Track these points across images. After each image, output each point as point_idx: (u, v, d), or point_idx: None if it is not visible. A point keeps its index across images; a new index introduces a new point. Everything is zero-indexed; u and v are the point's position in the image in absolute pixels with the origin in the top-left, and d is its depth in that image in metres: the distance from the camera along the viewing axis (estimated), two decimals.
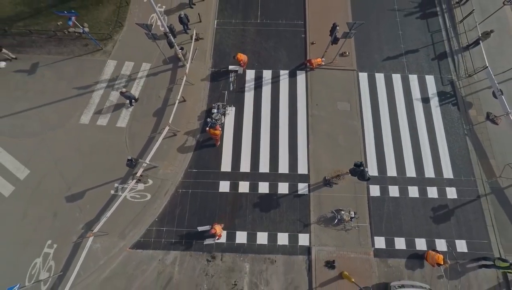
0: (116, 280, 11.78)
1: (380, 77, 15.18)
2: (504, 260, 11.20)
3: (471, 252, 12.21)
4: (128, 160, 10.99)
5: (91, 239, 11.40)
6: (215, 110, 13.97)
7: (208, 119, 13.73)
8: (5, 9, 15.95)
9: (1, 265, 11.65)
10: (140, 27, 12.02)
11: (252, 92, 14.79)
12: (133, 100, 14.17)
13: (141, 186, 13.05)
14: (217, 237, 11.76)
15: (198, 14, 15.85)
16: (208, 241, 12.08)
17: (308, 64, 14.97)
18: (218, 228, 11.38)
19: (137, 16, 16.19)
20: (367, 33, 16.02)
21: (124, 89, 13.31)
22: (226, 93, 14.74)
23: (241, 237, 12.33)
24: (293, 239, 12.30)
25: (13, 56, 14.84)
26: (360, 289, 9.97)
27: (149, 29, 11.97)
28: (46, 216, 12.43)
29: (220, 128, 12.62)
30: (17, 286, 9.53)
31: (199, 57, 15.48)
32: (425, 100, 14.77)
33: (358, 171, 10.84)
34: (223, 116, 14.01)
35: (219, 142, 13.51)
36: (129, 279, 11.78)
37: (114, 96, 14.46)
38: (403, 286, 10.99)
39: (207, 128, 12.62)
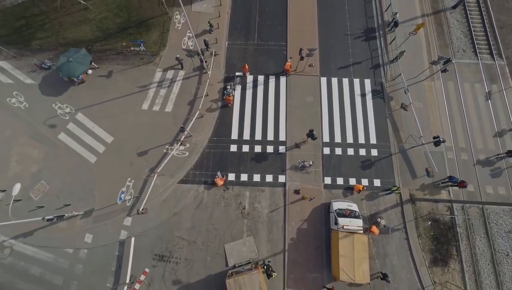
0: (170, 201, 19.80)
1: (334, 80, 23.18)
2: (395, 186, 19.30)
3: (382, 186, 20.22)
4: (181, 127, 19.11)
5: (155, 177, 19.46)
6: (228, 87, 22.14)
7: (225, 91, 21.91)
8: (87, 35, 23.96)
9: (104, 193, 19.67)
10: (183, 49, 20.08)
11: (251, 89, 22.81)
12: (183, 64, 22.42)
13: (182, 147, 21.03)
14: (215, 182, 19.50)
15: (215, 38, 23.90)
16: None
17: (284, 70, 22.97)
18: (219, 180, 19.37)
19: (175, 39, 24.18)
20: (328, 50, 24.03)
21: (178, 55, 21.52)
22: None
23: (243, 177, 20.35)
24: (275, 178, 20.34)
25: (96, 66, 22.87)
26: (310, 198, 17.99)
27: (189, 52, 19.96)
28: (125, 164, 20.46)
29: (232, 96, 21.44)
30: (124, 193, 17.62)
31: (216, 67, 23.43)
32: (363, 95, 22.76)
33: (310, 134, 18.91)
34: (233, 90, 22.23)
35: (231, 104, 21.94)
36: (177, 200, 19.80)
37: (163, 92, 22.47)
38: (337, 201, 19.02)
39: (224, 97, 21.34)
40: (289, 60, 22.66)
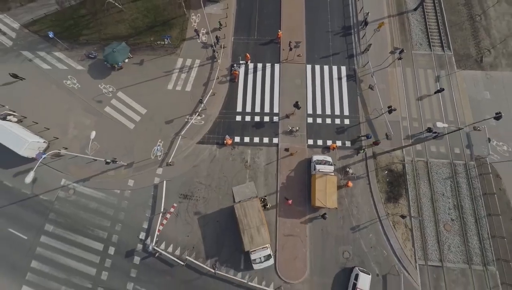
0: (190, 157, 26.17)
1: (317, 68, 29.52)
2: (362, 148, 25.70)
3: (353, 146, 26.55)
4: (200, 99, 25.49)
5: (179, 139, 25.87)
6: (235, 65, 28.64)
7: (232, 68, 28.33)
8: (122, 31, 30.34)
9: (140, 151, 26.04)
10: (202, 41, 26.47)
11: (252, 74, 29.17)
12: (200, 35, 28.87)
13: (199, 118, 27.34)
14: (226, 142, 25.96)
15: (224, 34, 30.28)
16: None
17: (277, 37, 29.48)
18: (228, 140, 25.72)
19: (191, 35, 30.53)
20: (313, 44, 30.38)
21: (196, 28, 28.60)
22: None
23: (246, 139, 26.69)
24: (271, 140, 26.70)
25: (131, 56, 29.24)
26: (296, 151, 24.39)
27: (204, 44, 26.31)
28: (156, 130, 26.84)
29: (238, 72, 27.66)
30: (159, 145, 24.05)
31: (224, 57, 29.74)
32: (339, 78, 29.10)
33: (296, 104, 25.30)
34: (238, 68, 28.65)
35: (237, 79, 28.32)
36: (196, 156, 26.16)
37: (183, 76, 28.84)
38: (317, 155, 25.35)
39: (232, 72, 27.64)
40: (280, 31, 29.43)
